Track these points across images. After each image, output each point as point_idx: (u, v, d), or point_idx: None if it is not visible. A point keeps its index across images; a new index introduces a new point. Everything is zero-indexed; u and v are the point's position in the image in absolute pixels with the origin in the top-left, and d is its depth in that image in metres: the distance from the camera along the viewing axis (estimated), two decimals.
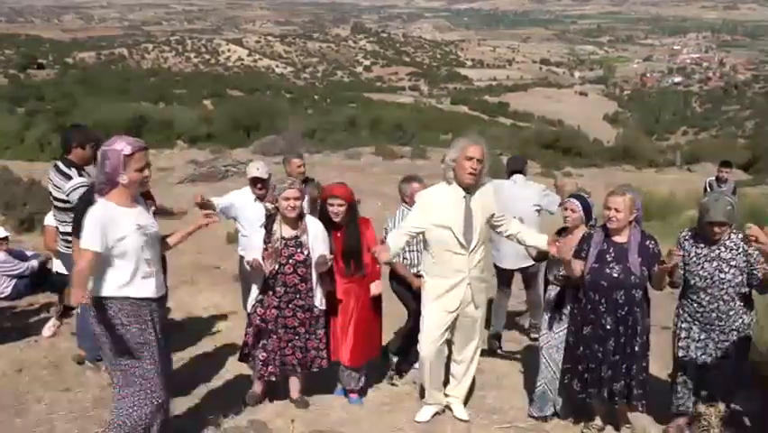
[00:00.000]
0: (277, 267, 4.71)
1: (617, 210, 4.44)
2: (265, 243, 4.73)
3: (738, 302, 4.45)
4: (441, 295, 4.67)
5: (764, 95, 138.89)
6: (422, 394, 5.09)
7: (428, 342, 4.76)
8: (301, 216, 4.84)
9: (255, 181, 5.88)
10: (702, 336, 4.54)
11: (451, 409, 5.05)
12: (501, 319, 6.64)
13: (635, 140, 52.65)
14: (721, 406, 4.56)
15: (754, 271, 4.38)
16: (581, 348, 4.62)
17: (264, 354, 4.86)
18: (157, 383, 3.84)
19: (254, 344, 4.89)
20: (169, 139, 32.07)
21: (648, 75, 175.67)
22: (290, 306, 4.81)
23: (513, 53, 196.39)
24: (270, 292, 4.78)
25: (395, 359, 5.80)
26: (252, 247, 4.80)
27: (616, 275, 4.45)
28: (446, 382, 5.09)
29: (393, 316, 5.93)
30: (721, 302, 4.44)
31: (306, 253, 4.77)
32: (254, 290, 4.86)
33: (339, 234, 4.97)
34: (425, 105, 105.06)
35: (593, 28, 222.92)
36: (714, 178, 9.63)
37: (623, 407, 4.72)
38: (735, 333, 4.49)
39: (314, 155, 23.59)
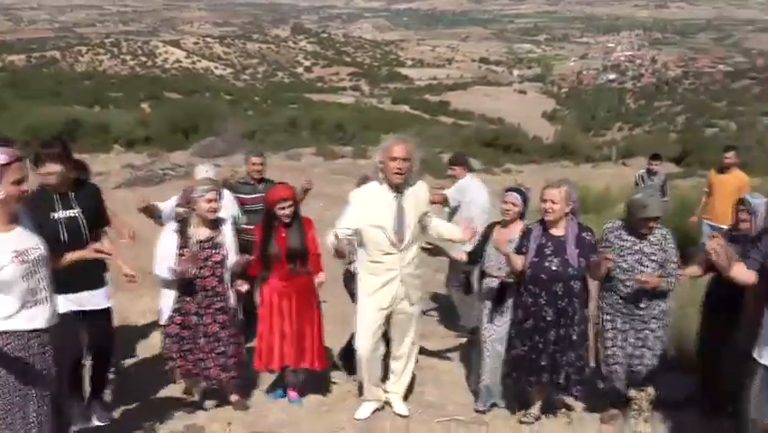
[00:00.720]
0: (195, 271, 4.61)
1: (553, 202, 4.52)
2: (181, 247, 4.62)
3: (656, 291, 4.55)
4: (374, 292, 4.69)
5: (694, 91, 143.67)
6: (361, 391, 5.08)
7: (363, 338, 4.79)
8: (216, 218, 4.77)
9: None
10: (626, 327, 4.66)
11: (391, 405, 5.06)
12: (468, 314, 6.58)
13: (573, 136, 53.76)
14: (650, 390, 4.70)
15: (669, 269, 4.52)
16: (523, 340, 4.69)
17: (187, 364, 4.75)
18: None
19: (175, 354, 4.75)
20: (105, 143, 31.22)
21: (584, 73, 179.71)
22: (209, 310, 4.71)
23: (452, 52, 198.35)
24: (188, 298, 4.67)
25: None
26: (166, 254, 4.61)
27: (554, 268, 4.53)
28: (386, 379, 5.09)
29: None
30: (641, 293, 4.55)
31: (223, 253, 4.70)
32: (169, 300, 4.71)
33: (284, 234, 4.91)
34: (366, 106, 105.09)
35: (530, 27, 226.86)
36: (645, 170, 9.89)
37: (561, 395, 4.81)
38: (654, 321, 4.63)
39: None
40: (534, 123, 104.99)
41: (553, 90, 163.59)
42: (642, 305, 4.58)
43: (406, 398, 5.17)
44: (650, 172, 9.74)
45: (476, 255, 5.19)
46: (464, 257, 5.36)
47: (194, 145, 25.98)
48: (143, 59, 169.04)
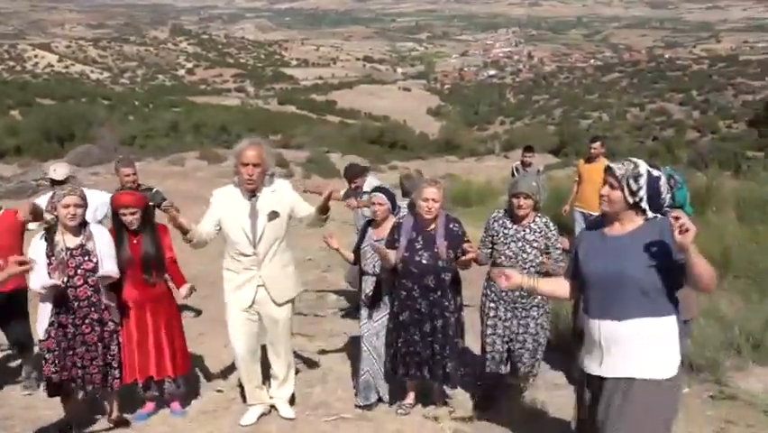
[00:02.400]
0: (66, 280, 4.40)
1: (433, 200, 4.57)
2: (48, 256, 4.40)
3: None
4: (233, 290, 4.67)
5: (569, 84, 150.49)
6: (245, 397, 5.01)
7: (235, 339, 4.74)
8: (84, 224, 4.55)
9: (54, 184, 5.53)
10: (508, 315, 4.81)
11: (277, 409, 5.02)
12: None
13: (456, 132, 55.29)
14: (531, 374, 4.89)
15: (554, 256, 4.71)
16: (399, 333, 4.75)
17: (66, 374, 4.52)
18: None
19: (54, 369, 4.51)
20: None
21: (466, 69, 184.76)
22: (87, 320, 4.50)
23: (336, 52, 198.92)
24: (63, 310, 4.44)
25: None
26: (35, 264, 4.29)
27: (425, 262, 4.59)
28: (271, 381, 5.04)
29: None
30: None
31: (95, 261, 4.48)
32: (45, 313, 4.48)
33: (136, 241, 4.73)
34: (251, 107, 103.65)
35: (412, 25, 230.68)
36: (519, 162, 10.25)
37: (440, 385, 4.93)
38: (535, 308, 4.80)
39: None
40: (419, 119, 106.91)
41: (436, 87, 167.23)
42: (524, 292, 4.73)
43: (293, 400, 5.13)
44: (524, 164, 10.09)
45: (356, 255, 5.24)
46: (351, 256, 5.40)
47: (69, 153, 24.76)
48: (11, 63, 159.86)
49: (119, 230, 4.72)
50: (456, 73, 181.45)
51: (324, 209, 4.60)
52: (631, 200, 3.18)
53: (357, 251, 5.26)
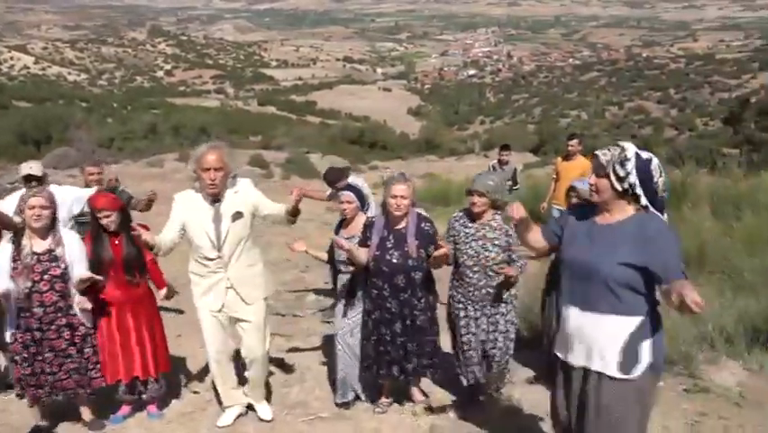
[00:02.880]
0: (30, 285, 4.33)
1: (402, 197, 4.54)
2: (14, 260, 4.33)
3: (502, 277, 4.67)
4: (202, 294, 4.59)
5: (548, 84, 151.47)
6: (220, 399, 4.99)
7: (209, 343, 4.68)
8: (53, 228, 4.49)
9: (29, 179, 5.44)
10: (478, 314, 4.78)
11: (254, 410, 4.99)
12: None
13: (437, 131, 55.40)
14: (505, 371, 4.91)
15: (511, 255, 4.70)
16: (372, 331, 4.75)
17: (34, 379, 4.48)
18: None
19: (24, 373, 4.47)
20: None
21: (446, 69, 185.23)
22: (53, 326, 4.44)
23: (316, 52, 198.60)
24: (28, 314, 4.39)
25: None
26: (1, 268, 4.31)
27: (395, 261, 4.57)
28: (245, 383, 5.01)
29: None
30: (488, 278, 4.69)
31: (63, 267, 4.41)
32: (12, 317, 4.42)
33: (117, 242, 4.70)
34: (231, 108, 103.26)
35: (392, 26, 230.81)
36: (496, 161, 10.29)
37: (416, 381, 4.94)
38: (504, 305, 4.79)
39: (110, 166, 22.34)
40: (400, 119, 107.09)
41: (416, 87, 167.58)
42: (491, 290, 4.73)
43: (269, 399, 5.12)
44: (501, 162, 10.13)
45: (331, 254, 5.24)
46: (325, 256, 5.40)
47: (45, 156, 24.49)
48: None
49: (99, 232, 4.69)
50: (436, 73, 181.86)
51: (294, 212, 4.49)
52: (619, 187, 2.99)
53: (332, 250, 5.26)
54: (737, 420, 4.48)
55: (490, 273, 4.65)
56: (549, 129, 57.16)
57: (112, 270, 4.66)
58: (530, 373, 5.49)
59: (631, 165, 2.94)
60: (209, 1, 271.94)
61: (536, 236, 3.49)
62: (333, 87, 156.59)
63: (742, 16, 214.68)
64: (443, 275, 4.95)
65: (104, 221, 4.63)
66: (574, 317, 3.18)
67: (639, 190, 2.96)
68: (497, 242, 4.67)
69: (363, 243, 4.73)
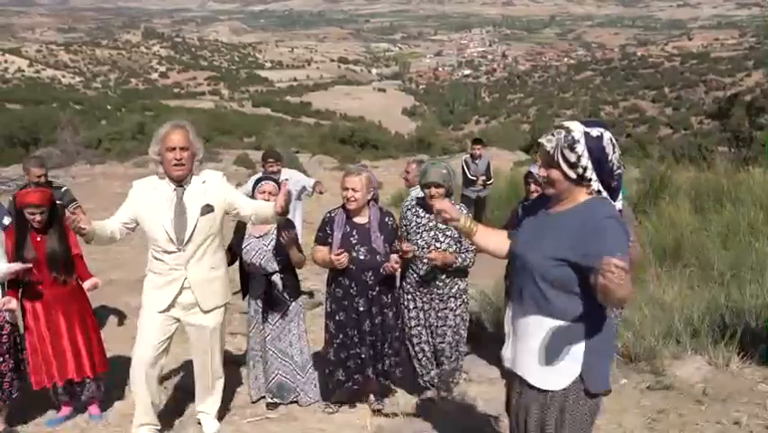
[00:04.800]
0: None
1: (354, 190, 4.37)
2: None
3: (454, 269, 4.54)
4: (152, 290, 4.20)
5: (543, 83, 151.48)
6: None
7: (142, 343, 4.23)
8: None
9: None
10: (426, 307, 4.63)
11: (200, 424, 4.61)
12: None
13: (430, 130, 55.32)
14: (455, 369, 4.73)
15: (465, 245, 4.52)
16: (338, 335, 4.53)
17: None
18: None
19: None
20: None
21: (440, 69, 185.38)
22: None
23: (311, 53, 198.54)
24: None
25: None
26: None
27: (362, 257, 4.40)
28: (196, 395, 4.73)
29: None
30: (438, 270, 4.53)
31: None
32: None
33: (39, 239, 4.46)
34: (226, 109, 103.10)
35: (386, 26, 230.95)
36: (469, 155, 10.14)
37: (381, 380, 4.75)
38: (453, 300, 4.62)
39: (95, 166, 22.18)
40: (395, 119, 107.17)
41: (411, 87, 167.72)
42: (440, 283, 4.56)
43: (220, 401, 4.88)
44: (473, 157, 9.98)
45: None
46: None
47: (25, 157, 24.30)
48: None
49: (22, 229, 4.48)
50: (431, 73, 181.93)
51: (283, 212, 4.03)
52: (573, 174, 2.60)
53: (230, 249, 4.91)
54: (697, 417, 4.30)
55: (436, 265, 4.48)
56: (542, 128, 57.04)
57: (36, 268, 4.45)
58: (490, 371, 5.30)
59: (581, 147, 2.56)
60: (204, 3, 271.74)
61: (498, 244, 3.07)
62: (328, 88, 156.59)
63: (737, 14, 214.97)
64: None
65: (36, 217, 4.43)
66: (510, 315, 2.91)
67: (591, 174, 2.59)
68: (448, 232, 4.51)
69: (323, 240, 4.52)
